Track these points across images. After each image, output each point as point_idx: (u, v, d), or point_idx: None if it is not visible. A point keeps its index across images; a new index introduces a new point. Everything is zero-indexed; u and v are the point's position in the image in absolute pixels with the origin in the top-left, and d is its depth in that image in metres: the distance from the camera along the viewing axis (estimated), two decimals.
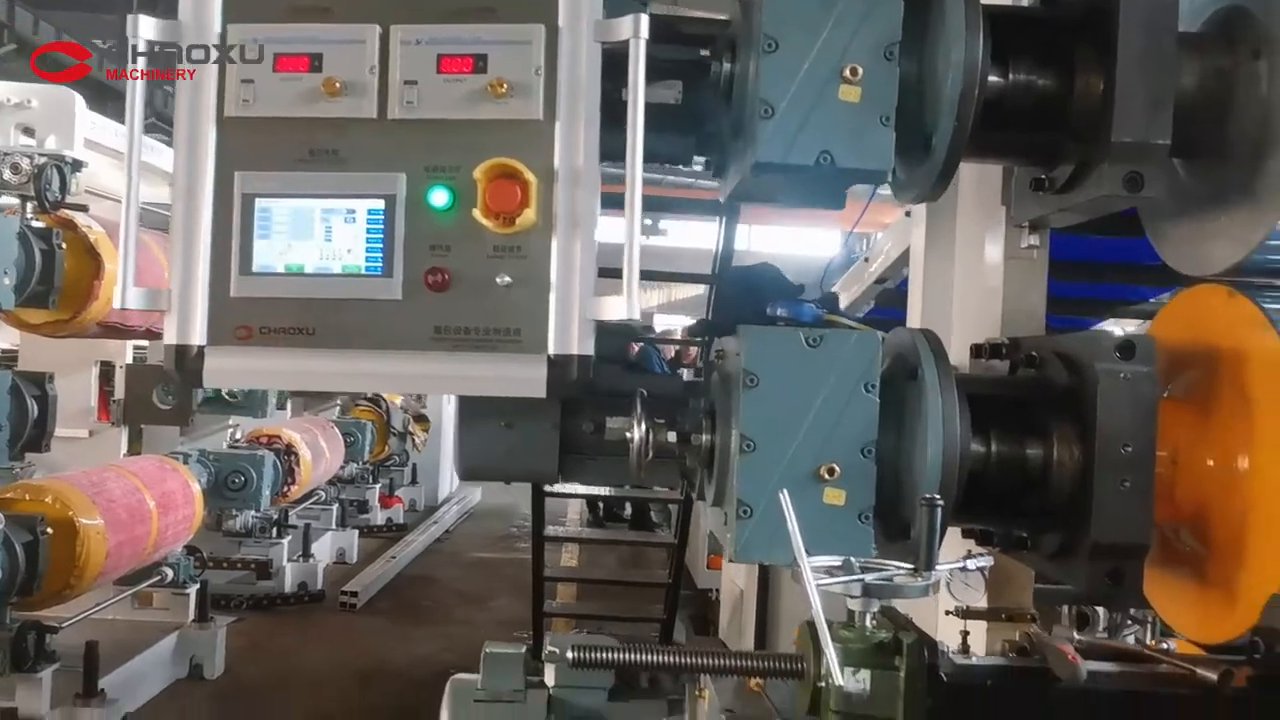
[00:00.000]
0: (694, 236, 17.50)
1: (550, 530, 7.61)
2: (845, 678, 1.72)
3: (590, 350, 1.95)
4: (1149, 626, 2.54)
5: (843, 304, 5.29)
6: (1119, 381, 1.96)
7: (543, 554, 7.22)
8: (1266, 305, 2.04)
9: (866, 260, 4.92)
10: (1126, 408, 1.96)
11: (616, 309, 1.92)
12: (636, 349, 9.79)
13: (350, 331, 1.93)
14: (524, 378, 1.91)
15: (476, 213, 1.88)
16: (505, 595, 10.00)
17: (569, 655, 1.77)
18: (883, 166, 1.97)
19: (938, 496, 1.75)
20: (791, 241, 22.61)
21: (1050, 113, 2.05)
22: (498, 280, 1.90)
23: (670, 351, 12.30)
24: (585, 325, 1.92)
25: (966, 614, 2.46)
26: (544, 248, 1.91)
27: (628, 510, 13.49)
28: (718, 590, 8.07)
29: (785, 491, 1.66)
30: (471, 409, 2.23)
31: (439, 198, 1.91)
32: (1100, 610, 4.22)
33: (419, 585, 10.75)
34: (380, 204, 1.93)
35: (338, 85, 1.92)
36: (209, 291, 1.94)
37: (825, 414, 1.96)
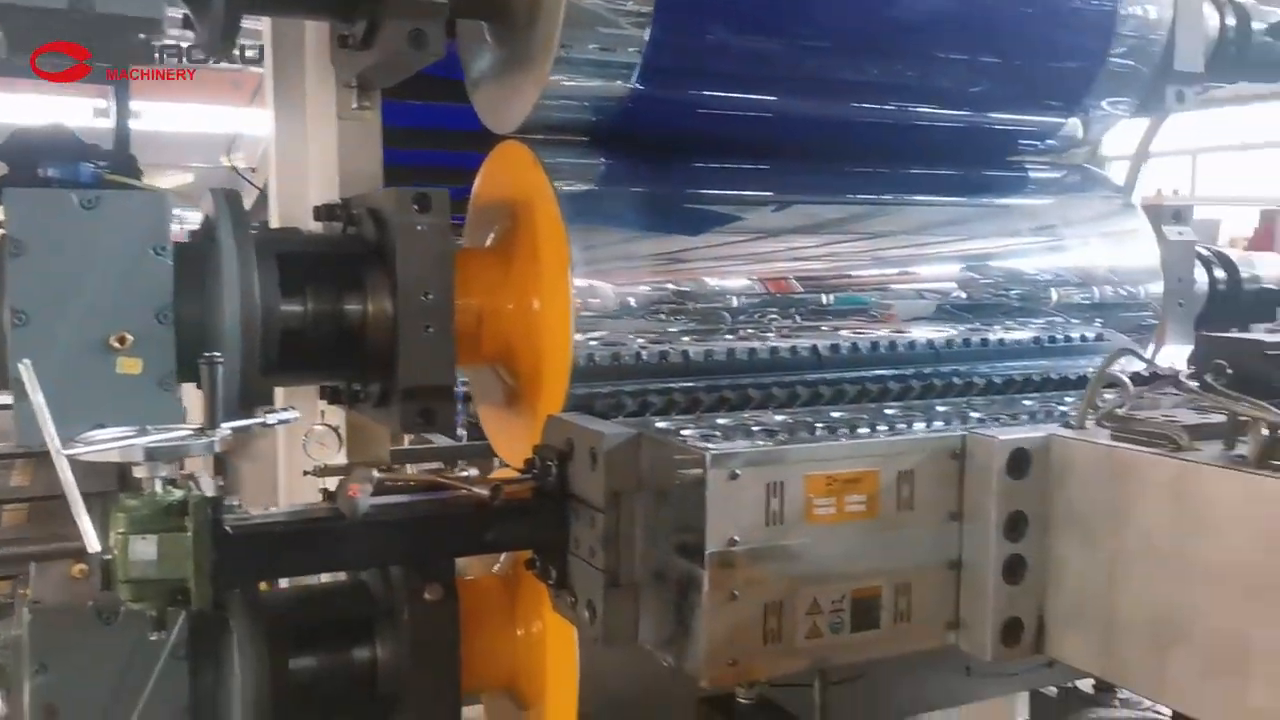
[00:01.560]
0: (197, 121, 14.97)
1: None
2: (133, 544, 1.69)
3: None
4: None
5: None
6: (416, 234, 2.06)
7: None
8: (562, 160, 2.23)
9: None
10: (425, 258, 2.07)
11: None
12: None
13: None
14: None
15: None
16: None
17: None
18: (154, 14, 1.86)
19: (217, 355, 1.74)
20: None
21: None
22: None
23: None
24: None
25: (324, 472, 2.53)
26: None
27: None
28: None
29: (26, 362, 1.55)
30: None
31: None
32: None
33: None
34: None
35: None
36: None
37: (109, 280, 1.86)
